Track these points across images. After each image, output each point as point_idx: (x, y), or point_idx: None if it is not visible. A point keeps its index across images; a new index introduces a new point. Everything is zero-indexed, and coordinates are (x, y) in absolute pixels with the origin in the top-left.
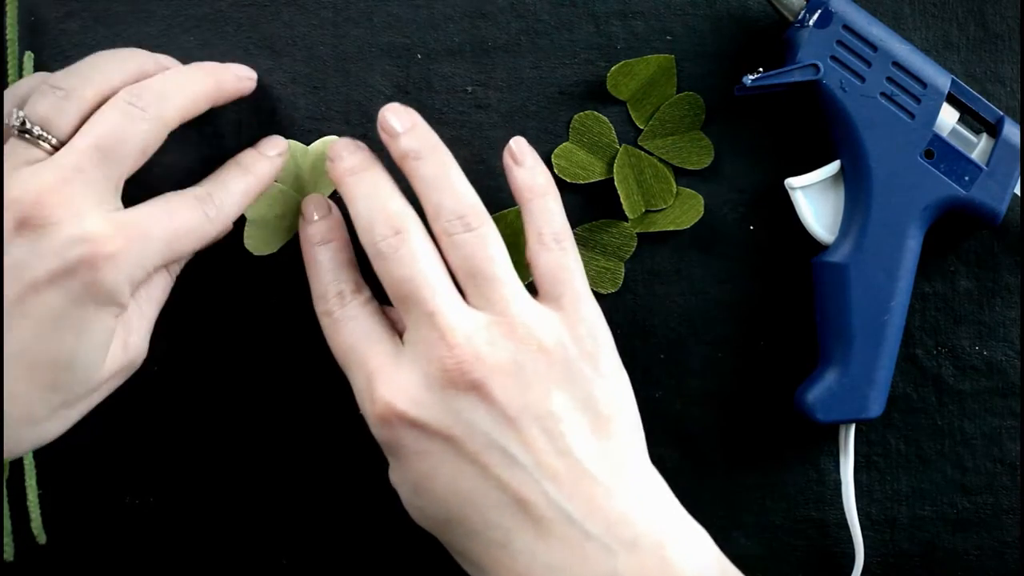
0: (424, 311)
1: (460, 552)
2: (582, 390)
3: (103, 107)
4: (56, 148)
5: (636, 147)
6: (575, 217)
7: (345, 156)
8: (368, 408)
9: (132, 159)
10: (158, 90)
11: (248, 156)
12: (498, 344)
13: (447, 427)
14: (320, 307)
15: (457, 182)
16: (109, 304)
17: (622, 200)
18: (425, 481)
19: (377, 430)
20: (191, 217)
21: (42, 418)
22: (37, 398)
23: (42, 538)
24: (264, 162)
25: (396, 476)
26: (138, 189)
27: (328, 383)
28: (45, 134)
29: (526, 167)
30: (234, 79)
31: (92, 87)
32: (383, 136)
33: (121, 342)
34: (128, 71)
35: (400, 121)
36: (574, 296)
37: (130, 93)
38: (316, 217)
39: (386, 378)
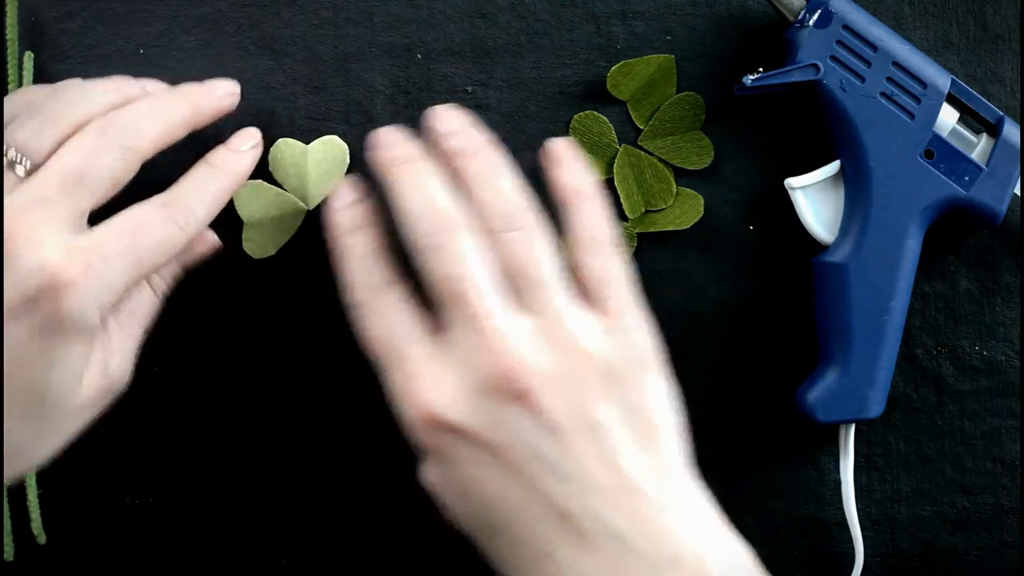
0: (469, 313)
1: (502, 560)
2: (628, 400)
3: (73, 137)
4: (30, 174)
5: (636, 147)
6: None
7: (394, 144)
8: (406, 410)
9: (101, 190)
10: (129, 121)
11: (217, 154)
12: (544, 352)
13: (490, 436)
14: (352, 296)
15: (506, 181)
16: (77, 332)
17: (622, 200)
18: (472, 486)
19: (415, 433)
20: (158, 228)
21: (25, 446)
22: (15, 427)
23: (42, 538)
24: (235, 159)
25: (437, 479)
26: (138, 190)
27: (328, 384)
28: (21, 158)
29: (571, 169)
30: (213, 100)
31: (71, 115)
32: (434, 135)
33: (99, 366)
34: (109, 100)
35: (452, 121)
36: (621, 303)
37: (100, 124)
38: (347, 202)
39: (427, 381)
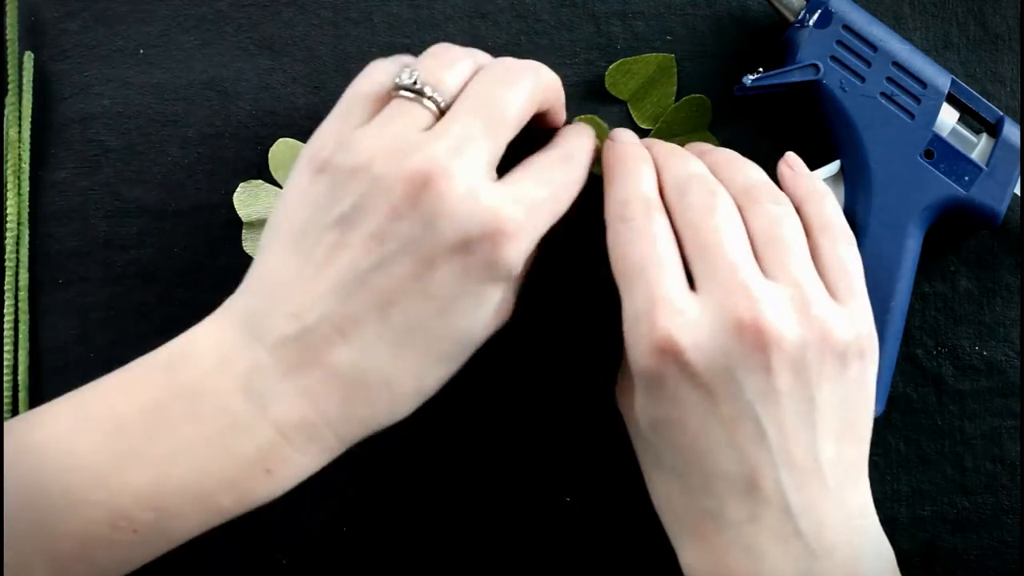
0: (726, 261)
1: (665, 500)
2: (845, 388)
3: (479, 76)
4: (441, 112)
5: None
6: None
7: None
8: (642, 332)
9: (514, 131)
10: (525, 62)
11: (580, 125)
12: (792, 319)
13: (716, 381)
14: (618, 211)
15: (756, 169)
16: (505, 280)
17: None
18: (667, 425)
19: (644, 358)
20: (561, 178)
21: (428, 389)
22: (427, 373)
23: None
24: (593, 129)
25: (642, 406)
26: (141, 188)
27: None
28: (432, 92)
29: (806, 174)
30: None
31: (472, 56)
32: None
33: (502, 307)
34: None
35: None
36: (854, 294)
37: (505, 63)
38: (634, 139)
39: (675, 309)
